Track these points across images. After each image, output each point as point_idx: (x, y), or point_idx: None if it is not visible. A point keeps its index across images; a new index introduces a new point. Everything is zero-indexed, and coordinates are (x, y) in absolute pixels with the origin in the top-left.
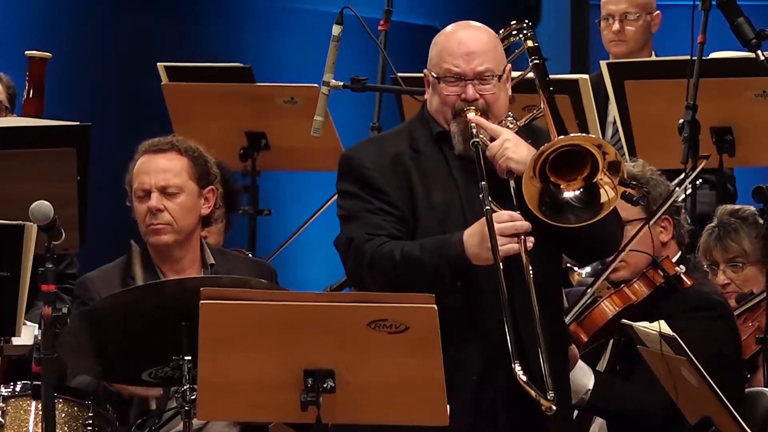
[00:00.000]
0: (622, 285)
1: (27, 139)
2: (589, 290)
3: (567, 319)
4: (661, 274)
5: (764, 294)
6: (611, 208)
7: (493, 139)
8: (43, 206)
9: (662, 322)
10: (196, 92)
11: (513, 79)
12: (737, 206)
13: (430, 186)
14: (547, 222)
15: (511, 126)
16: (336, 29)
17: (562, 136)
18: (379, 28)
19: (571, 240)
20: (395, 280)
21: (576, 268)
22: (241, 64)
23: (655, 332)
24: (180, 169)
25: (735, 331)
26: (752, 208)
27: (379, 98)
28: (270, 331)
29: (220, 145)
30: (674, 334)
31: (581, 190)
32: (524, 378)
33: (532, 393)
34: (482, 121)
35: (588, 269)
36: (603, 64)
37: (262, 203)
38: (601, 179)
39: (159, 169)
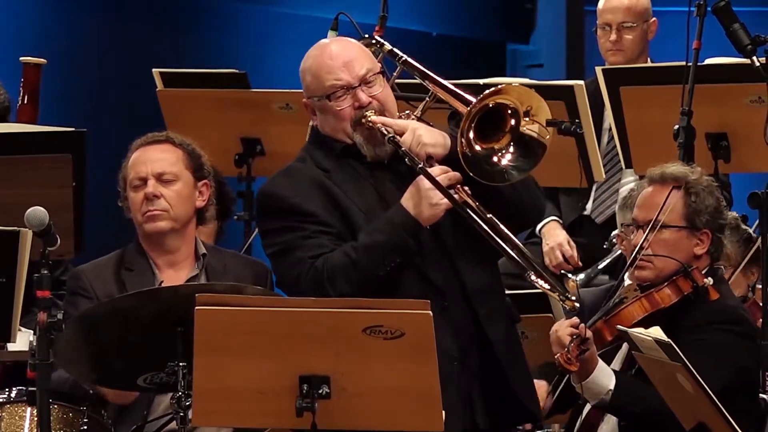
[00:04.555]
0: (651, 290)
1: (22, 145)
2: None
3: (595, 316)
4: (690, 283)
5: (743, 297)
6: (548, 144)
7: (401, 134)
8: (38, 212)
9: (657, 328)
10: (191, 98)
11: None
12: None
13: (352, 196)
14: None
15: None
16: (331, 35)
17: (480, 96)
18: (375, 34)
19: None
20: (359, 278)
21: (570, 275)
22: (237, 70)
23: (650, 338)
24: (176, 159)
25: (757, 348)
26: (734, 213)
27: None
28: (265, 337)
29: (215, 151)
30: (669, 340)
31: (512, 144)
32: (547, 286)
33: (556, 297)
34: (385, 119)
35: (582, 276)
36: (598, 70)
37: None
38: (526, 126)
39: (155, 158)
